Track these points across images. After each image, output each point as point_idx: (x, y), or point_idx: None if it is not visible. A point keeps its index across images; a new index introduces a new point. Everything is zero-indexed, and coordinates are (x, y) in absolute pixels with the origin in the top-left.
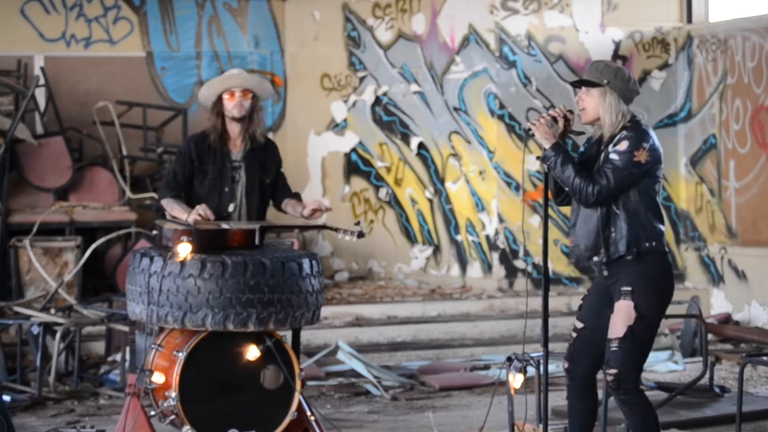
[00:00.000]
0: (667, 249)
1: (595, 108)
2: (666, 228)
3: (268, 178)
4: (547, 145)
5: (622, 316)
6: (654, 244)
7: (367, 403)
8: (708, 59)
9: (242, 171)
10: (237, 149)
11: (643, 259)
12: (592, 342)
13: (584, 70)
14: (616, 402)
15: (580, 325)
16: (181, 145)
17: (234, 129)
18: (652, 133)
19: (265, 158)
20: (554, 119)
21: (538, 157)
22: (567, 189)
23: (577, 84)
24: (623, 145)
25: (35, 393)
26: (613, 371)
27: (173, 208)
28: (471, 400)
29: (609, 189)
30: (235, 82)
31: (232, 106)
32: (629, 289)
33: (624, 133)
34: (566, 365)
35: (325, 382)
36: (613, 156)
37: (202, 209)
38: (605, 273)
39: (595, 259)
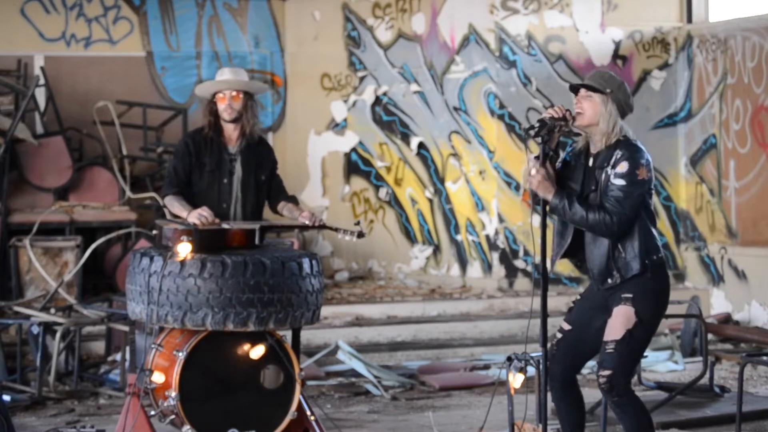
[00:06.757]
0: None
1: (594, 114)
2: (666, 228)
3: (264, 174)
4: (550, 197)
5: (621, 319)
6: (659, 255)
7: (367, 403)
8: (708, 59)
9: (238, 164)
10: (233, 144)
11: (648, 270)
12: (575, 347)
13: (584, 70)
14: (608, 404)
15: (567, 327)
16: (178, 143)
17: (228, 127)
18: (643, 147)
19: (260, 154)
20: (553, 118)
21: (537, 157)
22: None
23: (576, 89)
24: (623, 167)
25: (35, 393)
26: (607, 372)
27: (174, 205)
28: (471, 400)
29: (628, 216)
30: (225, 86)
31: (222, 109)
32: (630, 295)
33: (619, 152)
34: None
35: (325, 382)
36: (619, 182)
37: (205, 212)
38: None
39: (609, 281)
